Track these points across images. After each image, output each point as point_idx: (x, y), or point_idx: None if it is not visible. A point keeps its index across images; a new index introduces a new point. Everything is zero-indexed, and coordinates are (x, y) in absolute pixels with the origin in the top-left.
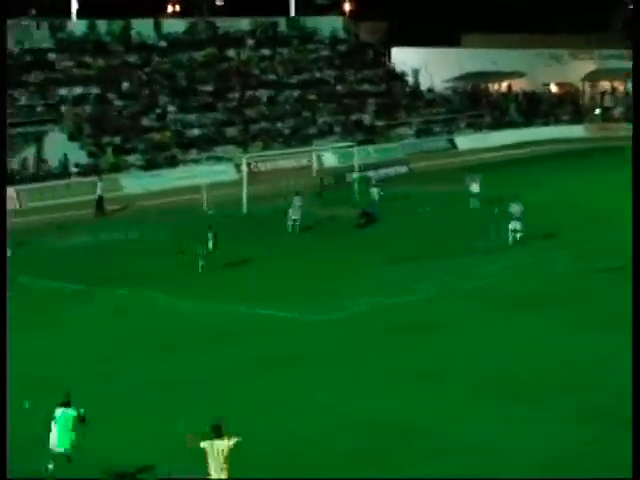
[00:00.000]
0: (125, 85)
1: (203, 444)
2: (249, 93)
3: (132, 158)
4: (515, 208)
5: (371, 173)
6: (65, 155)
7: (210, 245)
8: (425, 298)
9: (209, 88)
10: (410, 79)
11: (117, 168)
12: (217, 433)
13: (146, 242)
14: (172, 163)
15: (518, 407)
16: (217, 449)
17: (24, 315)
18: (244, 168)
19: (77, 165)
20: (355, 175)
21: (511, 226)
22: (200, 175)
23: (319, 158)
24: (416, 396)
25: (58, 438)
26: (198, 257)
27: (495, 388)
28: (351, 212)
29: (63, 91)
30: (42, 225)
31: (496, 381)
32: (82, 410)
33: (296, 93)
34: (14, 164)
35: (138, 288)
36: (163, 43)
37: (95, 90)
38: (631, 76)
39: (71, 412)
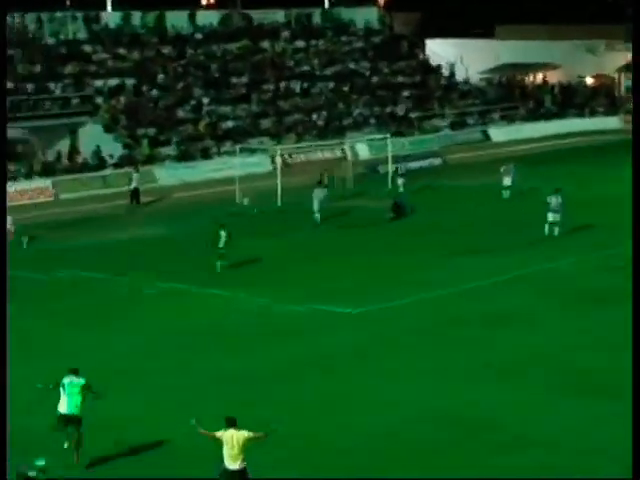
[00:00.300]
0: (160, 77)
1: (218, 434)
2: (283, 85)
3: (166, 150)
4: (554, 200)
5: (398, 164)
6: (98, 147)
7: (222, 244)
8: (487, 290)
9: (243, 80)
10: (444, 71)
11: (152, 160)
12: (231, 424)
13: (182, 234)
14: (206, 155)
15: (597, 402)
16: (231, 439)
17: (79, 308)
18: (278, 160)
19: (112, 157)
20: (388, 167)
21: (550, 218)
22: (234, 167)
23: (353, 150)
24: (493, 389)
25: (67, 403)
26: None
27: (574, 382)
28: (383, 204)
29: (98, 83)
30: (77, 217)
31: (574, 375)
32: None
33: (330, 85)
34: (49, 156)
35: (186, 283)
36: (198, 35)
37: (130, 82)
38: None
39: (78, 380)
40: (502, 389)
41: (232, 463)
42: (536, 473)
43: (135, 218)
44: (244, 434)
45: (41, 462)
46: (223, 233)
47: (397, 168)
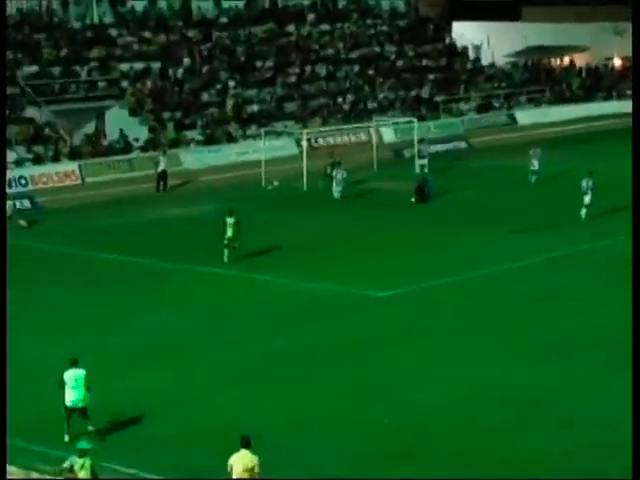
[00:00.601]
0: (185, 60)
1: (230, 460)
2: (308, 68)
3: (192, 133)
4: (586, 183)
5: (421, 146)
6: (124, 130)
7: (230, 233)
8: (532, 269)
9: (269, 63)
10: (470, 54)
11: (177, 143)
12: (245, 444)
13: (210, 217)
14: (231, 138)
15: None
16: (242, 462)
17: (128, 290)
18: (304, 143)
19: (137, 140)
20: (414, 150)
21: (586, 201)
22: (259, 150)
23: (378, 133)
24: (542, 368)
25: (72, 396)
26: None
27: (624, 361)
28: (407, 187)
29: (124, 67)
30: (104, 200)
31: (625, 354)
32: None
33: (356, 68)
34: (76, 139)
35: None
36: (223, 18)
37: (156, 65)
38: None
39: (80, 371)
40: (552, 367)
41: None
42: (589, 452)
43: (162, 201)
44: (254, 460)
45: (84, 444)
46: (230, 220)
47: (418, 150)
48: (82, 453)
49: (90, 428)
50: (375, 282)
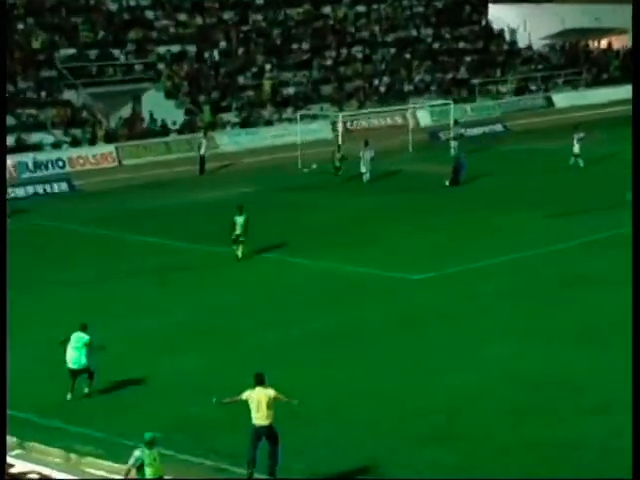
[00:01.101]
0: (221, 43)
1: (244, 395)
2: (344, 51)
3: (228, 116)
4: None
5: (453, 128)
6: (161, 113)
7: (239, 230)
8: (568, 253)
9: (305, 46)
10: (507, 36)
11: (213, 126)
12: (258, 381)
13: (248, 200)
14: (267, 121)
15: None
16: (257, 397)
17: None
18: (340, 126)
19: (174, 123)
20: (450, 133)
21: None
22: (295, 133)
23: (414, 116)
24: (575, 352)
25: (71, 357)
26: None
27: None
28: (442, 170)
29: (161, 49)
30: (140, 182)
31: None
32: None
33: (392, 51)
34: (112, 122)
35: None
36: (259, 0)
37: (192, 48)
38: None
39: (84, 336)
40: (585, 351)
41: (261, 421)
42: (624, 437)
43: (198, 184)
44: (270, 393)
45: (150, 435)
46: (239, 219)
47: (450, 131)
48: (150, 444)
49: (85, 390)
50: (409, 265)
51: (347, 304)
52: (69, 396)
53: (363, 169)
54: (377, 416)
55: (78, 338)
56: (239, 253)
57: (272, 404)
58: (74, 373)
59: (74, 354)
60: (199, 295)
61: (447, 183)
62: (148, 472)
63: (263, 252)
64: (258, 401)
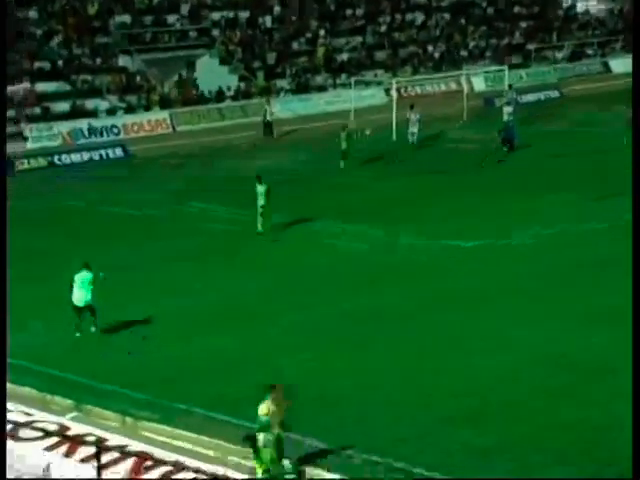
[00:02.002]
0: (275, 9)
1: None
2: (399, 17)
3: (281, 82)
4: None
5: (507, 93)
6: (215, 79)
7: (262, 201)
8: (604, 233)
9: (359, 12)
10: (563, 1)
11: (267, 92)
12: (270, 391)
13: (300, 168)
14: (321, 87)
15: None
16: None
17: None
18: (394, 93)
19: (228, 89)
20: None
21: None
22: (349, 100)
23: (469, 82)
24: (608, 334)
25: (79, 295)
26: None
27: None
28: (494, 137)
29: (215, 15)
30: (194, 149)
31: None
32: (101, 274)
33: (446, 16)
34: (167, 88)
35: (302, 220)
36: None
37: (246, 14)
38: None
39: (87, 274)
40: (619, 334)
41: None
42: None
43: (252, 150)
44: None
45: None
46: (260, 188)
47: (503, 97)
48: (263, 427)
49: (92, 329)
50: (456, 241)
51: (378, 284)
52: (78, 334)
53: (413, 130)
54: (408, 397)
55: (82, 278)
56: (260, 226)
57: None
58: (79, 310)
59: (79, 293)
60: (234, 274)
61: (499, 154)
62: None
63: (306, 222)
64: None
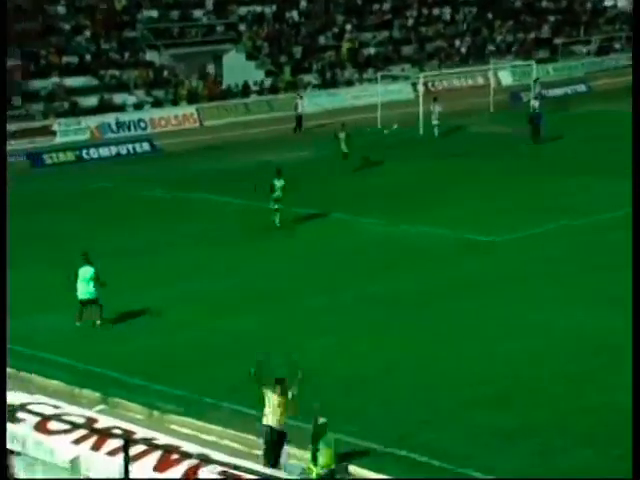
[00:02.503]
0: (302, 4)
1: (266, 392)
2: (426, 11)
3: (308, 77)
4: None
5: (534, 86)
6: (242, 74)
7: (279, 193)
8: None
9: (386, 6)
10: None
11: (294, 87)
12: (277, 384)
13: (324, 160)
14: (348, 82)
15: None
16: (270, 399)
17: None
18: (420, 87)
19: (255, 84)
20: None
21: None
22: (375, 94)
23: (496, 77)
24: (632, 317)
25: (82, 289)
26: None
27: None
28: (521, 131)
29: (242, 10)
30: (221, 143)
31: None
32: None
33: (473, 11)
34: (194, 83)
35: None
36: None
37: (272, 9)
38: None
39: (89, 268)
40: None
41: (274, 422)
42: None
43: (277, 144)
44: (279, 397)
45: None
46: (278, 183)
47: (530, 92)
48: (322, 428)
49: (97, 322)
50: (478, 228)
51: (404, 268)
52: (78, 323)
53: (435, 122)
54: (432, 381)
55: (84, 272)
56: (277, 220)
57: (286, 408)
58: (83, 303)
59: (81, 286)
60: (256, 258)
61: (532, 142)
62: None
63: (332, 213)
64: (273, 402)
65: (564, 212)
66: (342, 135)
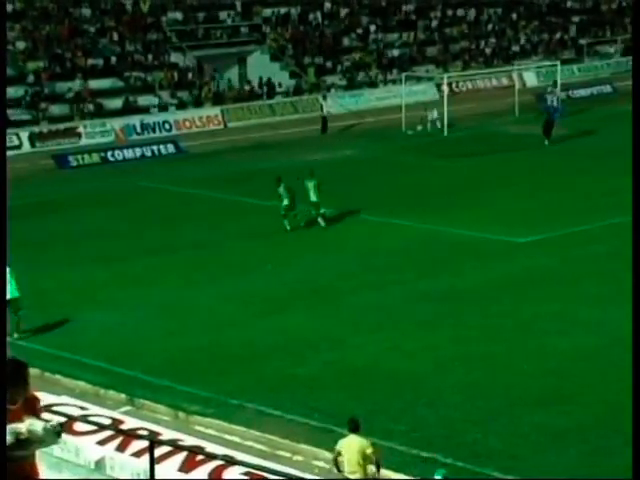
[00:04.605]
0: (326, 5)
1: (338, 446)
2: (450, 12)
3: (332, 78)
4: None
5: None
6: (266, 75)
7: (286, 201)
8: None
9: (410, 7)
10: None
11: (317, 88)
12: (352, 427)
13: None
14: (372, 83)
15: None
16: (349, 447)
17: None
18: (445, 88)
19: (280, 85)
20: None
21: None
22: (399, 95)
23: (521, 77)
24: None
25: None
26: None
27: None
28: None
29: (266, 12)
30: (246, 144)
31: None
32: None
33: (498, 11)
34: (220, 84)
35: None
36: None
37: (297, 10)
38: None
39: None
40: None
41: (348, 472)
42: None
43: (302, 146)
44: (364, 447)
45: (440, 474)
46: (310, 183)
47: (549, 89)
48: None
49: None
50: (515, 228)
51: (451, 267)
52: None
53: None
54: (481, 379)
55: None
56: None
57: (363, 458)
58: (9, 303)
59: (10, 286)
60: (303, 256)
61: (546, 143)
62: None
63: (366, 214)
64: (349, 450)
65: (605, 211)
66: (311, 184)
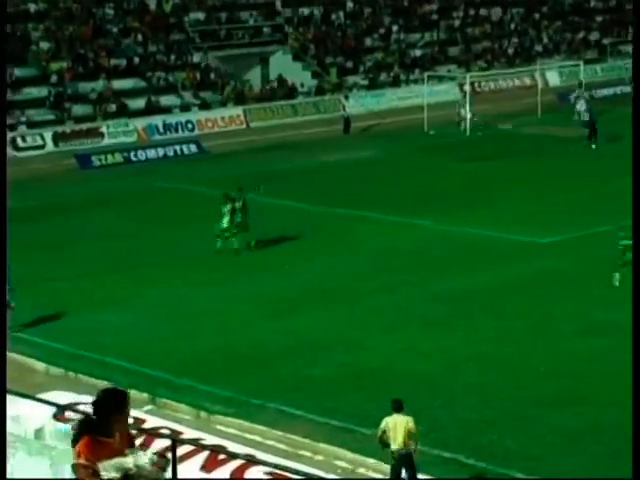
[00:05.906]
0: (349, 5)
1: (382, 426)
2: (472, 11)
3: (354, 78)
4: None
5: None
6: (288, 75)
7: (225, 222)
8: None
9: (432, 7)
10: None
11: (340, 88)
12: (396, 407)
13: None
14: (394, 83)
15: None
16: (395, 426)
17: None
18: (467, 88)
19: (302, 85)
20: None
21: None
22: (421, 95)
23: (543, 77)
24: None
25: None
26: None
27: None
28: (571, 132)
29: (288, 12)
30: (268, 145)
31: None
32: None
33: (521, 11)
34: (241, 84)
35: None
36: None
37: (319, 11)
38: None
39: None
40: None
41: (398, 447)
42: None
43: (324, 146)
44: (409, 423)
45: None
46: (225, 209)
47: (575, 91)
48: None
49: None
50: (535, 228)
51: (466, 267)
52: None
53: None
54: (497, 380)
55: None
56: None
57: (409, 435)
58: None
59: None
60: (319, 257)
61: (593, 146)
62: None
63: (386, 214)
64: (394, 429)
65: (619, 213)
66: (238, 205)
